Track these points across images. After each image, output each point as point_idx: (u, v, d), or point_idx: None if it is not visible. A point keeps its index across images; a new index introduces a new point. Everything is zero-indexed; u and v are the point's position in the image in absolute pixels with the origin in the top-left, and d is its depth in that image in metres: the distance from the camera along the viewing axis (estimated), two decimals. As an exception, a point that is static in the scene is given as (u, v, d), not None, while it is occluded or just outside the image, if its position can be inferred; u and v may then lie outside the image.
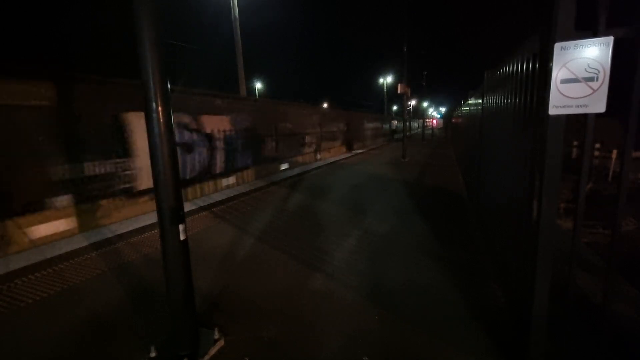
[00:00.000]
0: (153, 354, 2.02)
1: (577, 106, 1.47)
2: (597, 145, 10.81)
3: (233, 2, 11.19)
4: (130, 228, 4.70)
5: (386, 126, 28.22)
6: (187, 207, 5.69)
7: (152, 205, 5.53)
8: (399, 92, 14.06)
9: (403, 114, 14.43)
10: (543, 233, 1.64)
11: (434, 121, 57.43)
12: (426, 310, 2.51)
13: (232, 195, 6.89)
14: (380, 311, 2.50)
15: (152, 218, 5.08)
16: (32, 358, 2.13)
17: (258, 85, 42.74)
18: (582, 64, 1.45)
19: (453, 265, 3.24)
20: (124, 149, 5.15)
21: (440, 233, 4.23)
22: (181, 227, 1.95)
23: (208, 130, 7.02)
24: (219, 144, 7.35)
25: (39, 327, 2.43)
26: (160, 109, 1.83)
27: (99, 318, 2.51)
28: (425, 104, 52.29)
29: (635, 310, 2.33)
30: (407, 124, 15.41)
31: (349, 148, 16.89)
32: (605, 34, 1.42)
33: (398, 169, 10.33)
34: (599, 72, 1.42)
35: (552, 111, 1.52)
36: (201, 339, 2.15)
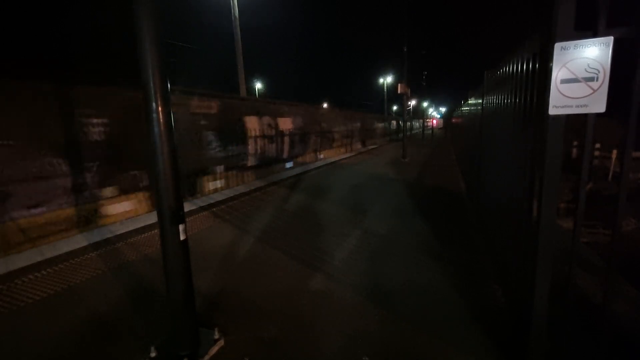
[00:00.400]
0: (153, 354, 2.02)
1: (577, 106, 1.47)
2: (597, 145, 10.81)
3: (233, 2, 11.19)
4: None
5: (387, 126, 28.38)
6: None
7: (253, 176, 8.62)
8: (399, 92, 14.05)
9: (403, 114, 14.43)
10: (543, 233, 1.63)
11: (434, 121, 57.38)
12: (426, 310, 2.51)
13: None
14: (380, 311, 2.50)
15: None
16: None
17: (258, 85, 42.70)
18: (582, 64, 1.45)
19: (453, 265, 3.24)
20: (243, 139, 8.20)
21: (440, 233, 4.23)
22: (181, 227, 1.95)
23: (280, 128, 10.08)
24: (286, 138, 10.43)
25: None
26: (160, 109, 1.83)
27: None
28: (425, 104, 52.30)
29: (635, 310, 2.33)
30: (408, 124, 15.99)
31: (363, 144, 19.66)
32: (605, 34, 1.42)
33: (399, 169, 10.33)
34: (599, 72, 1.42)
35: (552, 111, 1.52)
36: (201, 339, 2.15)
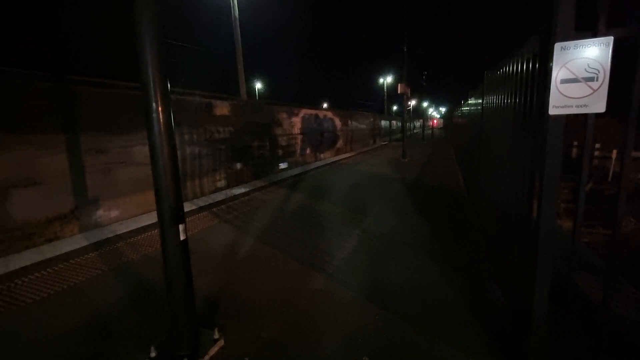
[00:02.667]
0: (153, 354, 2.02)
1: (577, 106, 1.47)
2: (597, 145, 10.79)
3: (233, 2, 11.19)
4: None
5: (387, 126, 28.57)
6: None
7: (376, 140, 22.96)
8: (399, 92, 14.05)
9: (403, 114, 14.44)
10: (543, 233, 1.64)
11: (434, 121, 57.24)
12: (426, 310, 2.51)
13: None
14: (380, 311, 2.50)
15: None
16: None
17: (258, 85, 42.65)
18: (582, 64, 1.45)
19: (453, 265, 3.24)
20: (381, 128, 25.13)
21: (440, 233, 4.23)
22: (181, 227, 1.95)
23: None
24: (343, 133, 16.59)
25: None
26: (160, 109, 1.83)
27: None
28: (425, 104, 52.29)
29: (635, 310, 2.33)
30: (408, 124, 16.83)
31: (374, 141, 23.82)
32: (605, 34, 1.42)
33: (399, 169, 10.33)
34: (599, 72, 1.42)
35: (552, 111, 1.53)
36: (201, 339, 2.15)
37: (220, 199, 6.19)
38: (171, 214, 1.91)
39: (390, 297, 2.70)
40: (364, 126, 20.03)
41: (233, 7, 11.19)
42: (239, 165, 7.71)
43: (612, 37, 1.39)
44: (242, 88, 11.85)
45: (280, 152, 9.80)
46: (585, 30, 1.47)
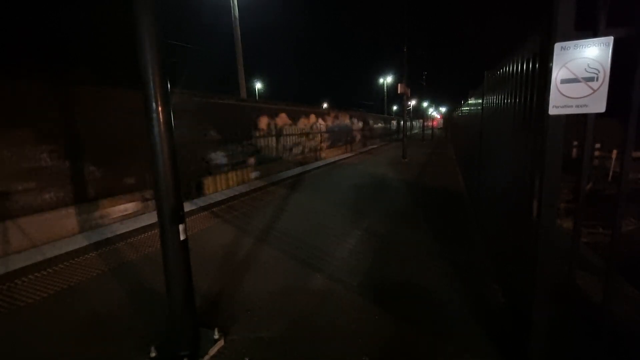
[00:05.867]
0: (153, 354, 2.02)
1: (577, 106, 1.47)
2: (597, 145, 10.79)
3: (233, 2, 11.19)
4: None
5: (388, 126, 28.74)
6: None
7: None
8: (399, 92, 14.05)
9: (403, 114, 14.44)
10: (543, 233, 1.64)
11: (435, 122, 57.20)
12: (426, 310, 2.51)
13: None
14: (380, 311, 2.50)
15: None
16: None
17: (258, 85, 42.65)
18: (582, 64, 1.45)
19: (453, 265, 3.24)
20: (382, 129, 26.13)
21: (440, 233, 4.23)
22: (181, 227, 1.95)
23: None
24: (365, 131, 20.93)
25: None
26: (160, 109, 1.83)
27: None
28: (425, 104, 52.31)
29: (635, 310, 2.33)
30: (408, 124, 17.30)
31: (364, 145, 25.14)
32: (605, 34, 1.42)
33: (399, 169, 10.33)
34: (599, 72, 1.42)
35: (552, 111, 1.52)
36: (201, 339, 2.15)
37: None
38: (171, 213, 1.91)
39: (390, 297, 2.70)
40: (367, 126, 21.33)
41: (233, 7, 11.19)
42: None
43: (612, 37, 1.39)
44: (242, 88, 11.85)
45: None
46: (585, 30, 1.47)
